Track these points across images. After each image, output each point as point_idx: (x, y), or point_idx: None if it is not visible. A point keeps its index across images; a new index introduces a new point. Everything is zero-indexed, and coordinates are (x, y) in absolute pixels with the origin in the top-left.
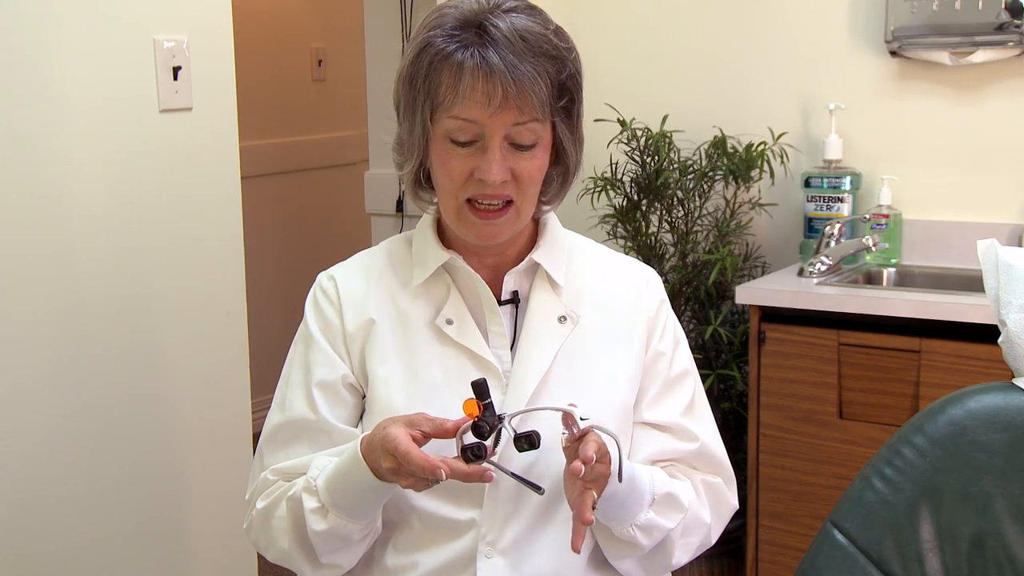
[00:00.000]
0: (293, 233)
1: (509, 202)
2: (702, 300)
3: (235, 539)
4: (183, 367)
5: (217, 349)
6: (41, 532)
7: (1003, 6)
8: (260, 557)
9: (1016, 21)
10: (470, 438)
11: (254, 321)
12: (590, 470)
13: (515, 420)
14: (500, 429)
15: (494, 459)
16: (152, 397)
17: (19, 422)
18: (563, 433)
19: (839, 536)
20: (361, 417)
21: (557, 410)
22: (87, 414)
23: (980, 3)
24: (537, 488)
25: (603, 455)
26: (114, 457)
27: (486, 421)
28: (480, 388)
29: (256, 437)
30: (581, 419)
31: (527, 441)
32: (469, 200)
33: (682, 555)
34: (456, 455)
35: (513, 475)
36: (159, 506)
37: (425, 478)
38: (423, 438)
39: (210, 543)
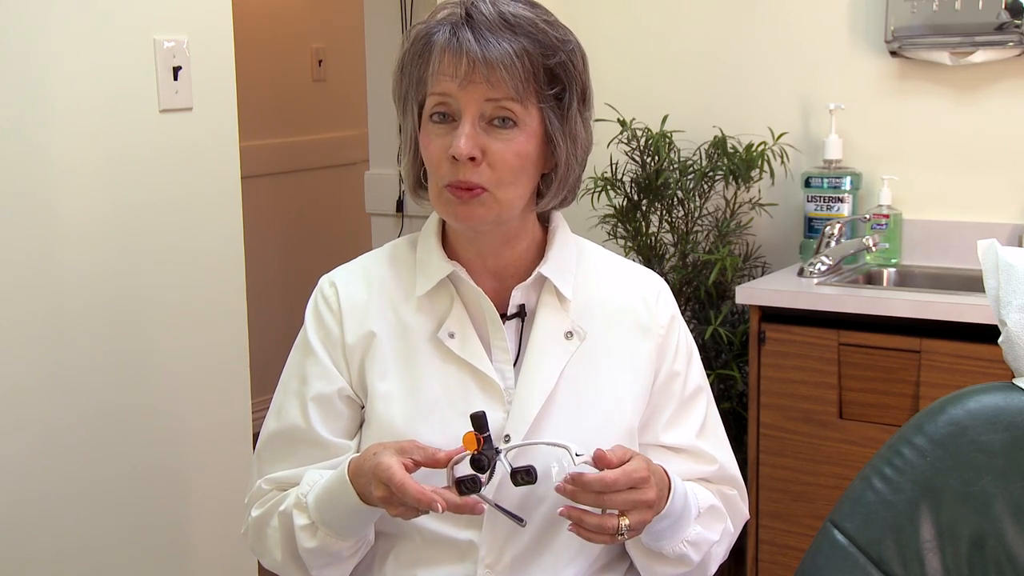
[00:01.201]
0: (293, 233)
1: (487, 190)
2: (702, 300)
3: (235, 541)
4: (183, 368)
5: (217, 350)
6: (40, 535)
7: (1003, 6)
8: None
9: (1016, 21)
10: (461, 469)
11: (254, 322)
12: (614, 498)
13: (511, 451)
14: (496, 463)
15: (483, 491)
16: (152, 398)
17: (19, 423)
18: (554, 466)
19: (839, 536)
20: (360, 426)
21: (554, 445)
22: (87, 415)
23: (980, 3)
24: (519, 520)
25: (640, 480)
26: (114, 458)
27: (485, 454)
28: (479, 421)
29: (256, 437)
30: (576, 455)
31: (525, 475)
32: (449, 185)
33: (714, 566)
34: (446, 485)
35: (496, 506)
36: (160, 507)
37: (417, 509)
38: (414, 466)
39: (210, 545)
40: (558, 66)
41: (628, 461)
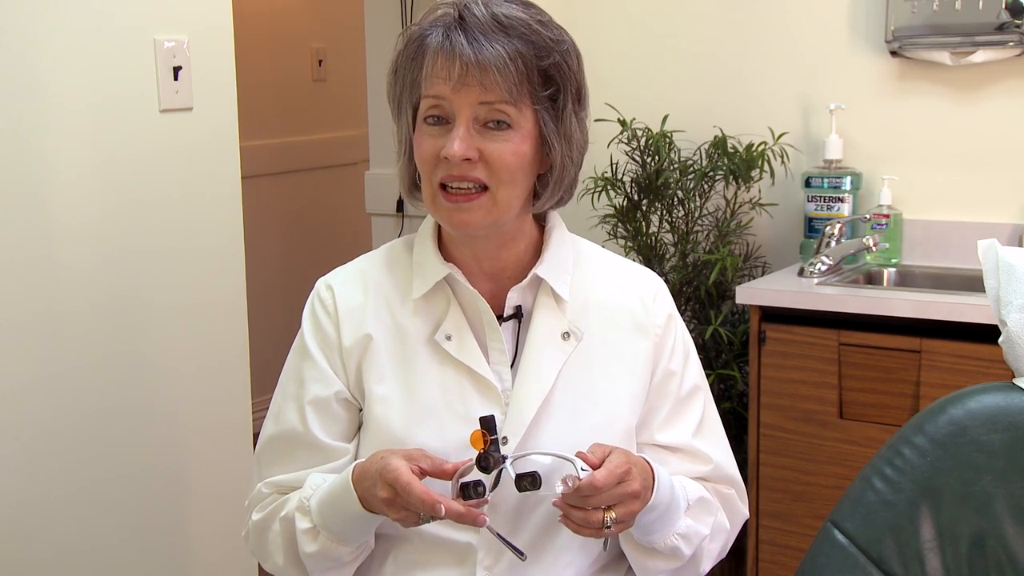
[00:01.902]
0: (293, 233)
1: (484, 188)
2: (702, 300)
3: (235, 541)
4: (183, 368)
5: (217, 349)
6: (40, 535)
7: (1003, 6)
8: None
9: (1016, 21)
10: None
11: (254, 322)
12: (602, 496)
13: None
14: (501, 470)
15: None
16: (152, 398)
17: (19, 423)
18: (558, 486)
19: (839, 536)
20: (359, 429)
21: (558, 457)
22: (87, 415)
23: (980, 3)
24: (520, 554)
25: (624, 474)
26: (114, 458)
27: (491, 455)
28: (489, 424)
29: (256, 438)
30: (582, 469)
31: (529, 481)
32: (443, 186)
33: (708, 563)
34: (454, 496)
35: (499, 536)
36: (160, 508)
37: (418, 513)
38: (420, 474)
39: (211, 545)
40: (552, 67)
41: (608, 457)
